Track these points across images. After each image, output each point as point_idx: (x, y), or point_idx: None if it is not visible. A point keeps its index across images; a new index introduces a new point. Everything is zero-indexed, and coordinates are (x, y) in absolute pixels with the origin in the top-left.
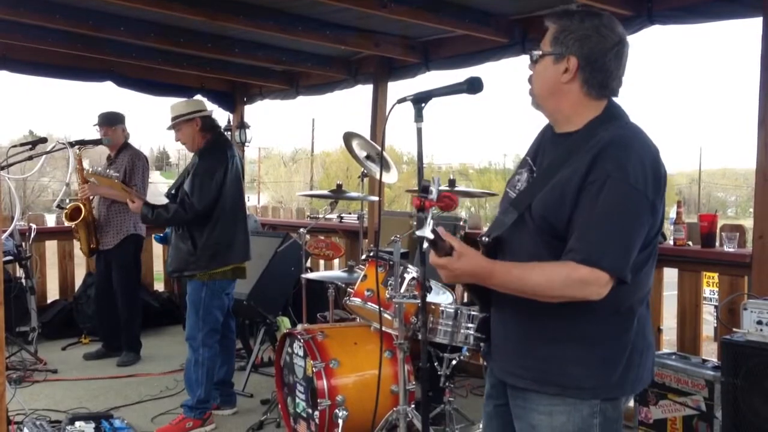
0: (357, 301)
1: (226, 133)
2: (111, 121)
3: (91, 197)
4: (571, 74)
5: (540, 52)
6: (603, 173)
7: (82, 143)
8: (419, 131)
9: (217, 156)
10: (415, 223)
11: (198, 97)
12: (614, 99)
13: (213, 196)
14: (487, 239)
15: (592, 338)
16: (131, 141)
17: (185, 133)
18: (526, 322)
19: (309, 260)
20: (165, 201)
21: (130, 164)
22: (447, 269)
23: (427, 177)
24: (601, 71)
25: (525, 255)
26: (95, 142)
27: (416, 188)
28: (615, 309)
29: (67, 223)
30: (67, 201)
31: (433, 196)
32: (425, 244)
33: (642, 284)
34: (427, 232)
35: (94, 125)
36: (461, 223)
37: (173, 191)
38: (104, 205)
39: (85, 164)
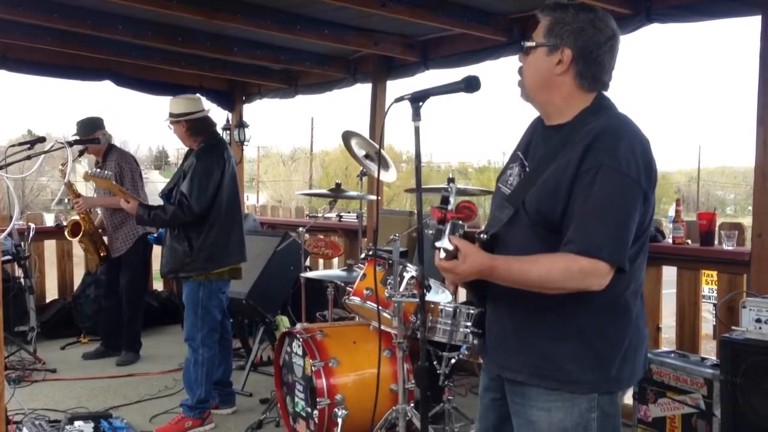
0: (356, 300)
1: (224, 132)
2: (89, 128)
3: (88, 210)
4: (565, 66)
5: (533, 43)
6: (596, 162)
7: (80, 143)
8: (417, 130)
9: (214, 157)
10: (432, 232)
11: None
12: (604, 92)
13: (211, 198)
14: (485, 236)
15: (589, 333)
16: (129, 138)
17: (177, 132)
18: (522, 317)
19: (308, 259)
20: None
21: (117, 169)
22: (454, 272)
23: (426, 178)
24: (595, 64)
25: (521, 250)
26: (92, 141)
27: (415, 187)
28: (611, 302)
29: (70, 238)
30: (66, 200)
31: (452, 206)
32: (442, 254)
33: (636, 276)
34: (446, 243)
35: (73, 135)
36: (460, 222)
37: (167, 191)
38: (108, 212)
39: (84, 164)
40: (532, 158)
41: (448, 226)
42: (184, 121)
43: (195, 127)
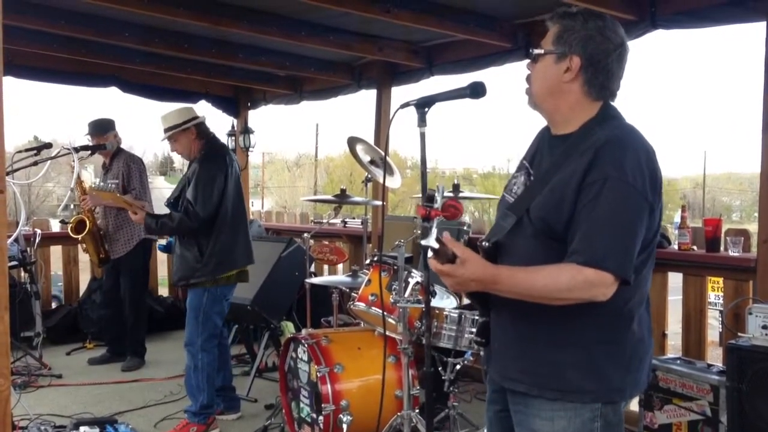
0: (361, 305)
1: (229, 138)
2: (101, 129)
3: (93, 208)
4: (573, 74)
5: (541, 51)
6: (602, 174)
7: (87, 149)
8: (422, 136)
9: (217, 162)
10: (419, 231)
11: (201, 103)
12: (611, 102)
13: (216, 203)
14: (487, 244)
15: (591, 342)
16: (134, 144)
17: (182, 144)
18: (525, 326)
19: (313, 265)
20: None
21: (126, 169)
22: (451, 277)
23: (431, 184)
24: (603, 72)
25: (524, 258)
26: (99, 148)
27: (420, 194)
28: (614, 312)
29: (73, 235)
30: (71, 206)
31: (438, 205)
32: (430, 253)
33: (641, 286)
34: (431, 241)
35: (85, 135)
36: (465, 227)
37: (173, 200)
38: (111, 214)
39: (90, 171)
40: (537, 167)
41: (434, 224)
42: (193, 126)
43: (203, 131)
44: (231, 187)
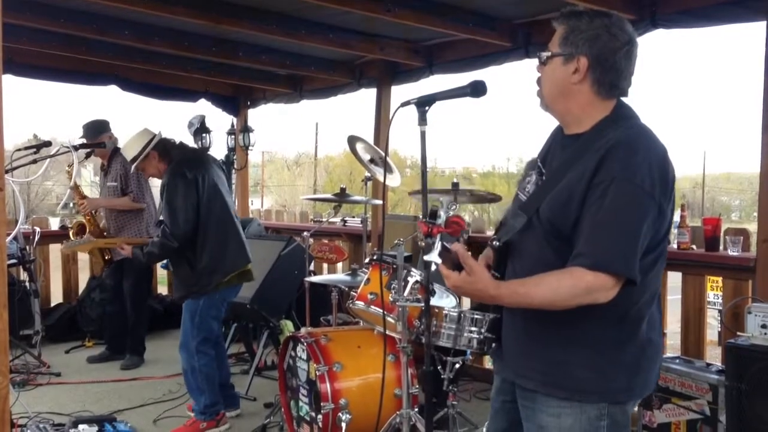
0: (360, 304)
1: (228, 136)
2: (95, 130)
3: (93, 211)
4: (581, 75)
5: (549, 53)
6: (609, 174)
7: (86, 147)
8: (423, 134)
9: (182, 175)
10: (422, 245)
11: (201, 102)
12: (623, 99)
13: (191, 217)
14: (497, 243)
15: (601, 342)
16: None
17: (149, 170)
18: (536, 325)
19: (312, 264)
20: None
21: (123, 171)
22: (453, 284)
23: (431, 183)
24: (612, 71)
25: (533, 260)
26: (97, 146)
27: (418, 189)
28: (624, 313)
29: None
30: (71, 204)
31: (441, 221)
32: (433, 267)
33: (650, 287)
34: (434, 257)
35: (80, 137)
36: (450, 236)
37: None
38: (113, 216)
39: (90, 168)
40: (549, 167)
41: (438, 240)
42: (152, 151)
43: (163, 150)
44: (208, 194)
